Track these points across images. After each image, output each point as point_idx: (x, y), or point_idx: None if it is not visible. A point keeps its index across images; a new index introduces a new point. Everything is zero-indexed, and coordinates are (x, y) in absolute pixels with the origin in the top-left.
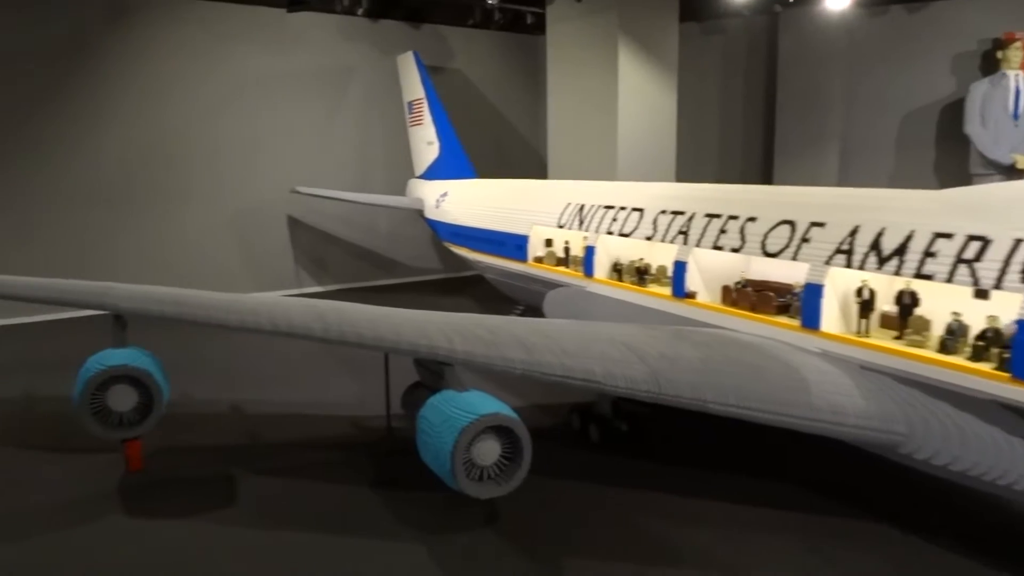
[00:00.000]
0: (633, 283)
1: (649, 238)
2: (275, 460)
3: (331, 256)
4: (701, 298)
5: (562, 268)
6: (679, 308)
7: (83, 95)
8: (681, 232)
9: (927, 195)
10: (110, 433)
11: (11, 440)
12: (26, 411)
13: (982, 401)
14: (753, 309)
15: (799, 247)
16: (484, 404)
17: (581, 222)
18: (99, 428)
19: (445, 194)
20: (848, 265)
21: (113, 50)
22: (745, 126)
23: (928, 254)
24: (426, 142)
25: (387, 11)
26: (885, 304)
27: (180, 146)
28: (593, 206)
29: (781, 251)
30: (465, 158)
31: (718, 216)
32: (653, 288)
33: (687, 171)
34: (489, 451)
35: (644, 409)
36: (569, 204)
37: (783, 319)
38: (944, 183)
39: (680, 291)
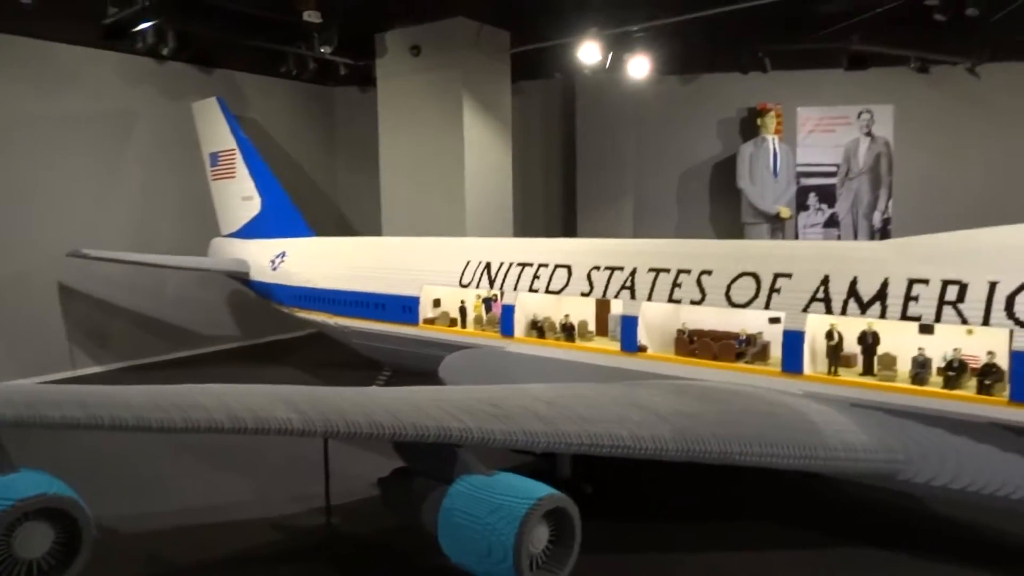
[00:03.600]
0: (560, 340)
1: (585, 294)
2: None
3: (113, 329)
4: (652, 351)
5: (461, 328)
6: (631, 362)
7: None
8: (626, 287)
9: (879, 245)
10: None
11: None
12: None
13: (979, 424)
14: (715, 358)
15: (769, 296)
16: (529, 486)
17: (491, 280)
18: None
19: (283, 254)
20: (828, 311)
21: None
22: (546, 182)
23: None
24: (241, 197)
25: (175, 53)
26: (849, 345)
27: None
28: (503, 263)
29: (750, 301)
30: (297, 214)
31: (666, 270)
32: (595, 344)
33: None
34: (541, 537)
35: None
36: (470, 262)
37: (759, 366)
38: (720, 233)
39: (631, 345)
